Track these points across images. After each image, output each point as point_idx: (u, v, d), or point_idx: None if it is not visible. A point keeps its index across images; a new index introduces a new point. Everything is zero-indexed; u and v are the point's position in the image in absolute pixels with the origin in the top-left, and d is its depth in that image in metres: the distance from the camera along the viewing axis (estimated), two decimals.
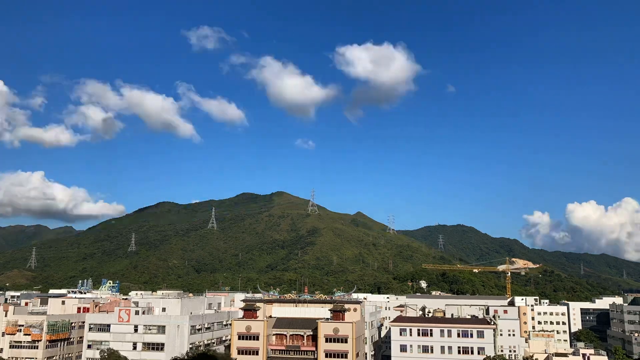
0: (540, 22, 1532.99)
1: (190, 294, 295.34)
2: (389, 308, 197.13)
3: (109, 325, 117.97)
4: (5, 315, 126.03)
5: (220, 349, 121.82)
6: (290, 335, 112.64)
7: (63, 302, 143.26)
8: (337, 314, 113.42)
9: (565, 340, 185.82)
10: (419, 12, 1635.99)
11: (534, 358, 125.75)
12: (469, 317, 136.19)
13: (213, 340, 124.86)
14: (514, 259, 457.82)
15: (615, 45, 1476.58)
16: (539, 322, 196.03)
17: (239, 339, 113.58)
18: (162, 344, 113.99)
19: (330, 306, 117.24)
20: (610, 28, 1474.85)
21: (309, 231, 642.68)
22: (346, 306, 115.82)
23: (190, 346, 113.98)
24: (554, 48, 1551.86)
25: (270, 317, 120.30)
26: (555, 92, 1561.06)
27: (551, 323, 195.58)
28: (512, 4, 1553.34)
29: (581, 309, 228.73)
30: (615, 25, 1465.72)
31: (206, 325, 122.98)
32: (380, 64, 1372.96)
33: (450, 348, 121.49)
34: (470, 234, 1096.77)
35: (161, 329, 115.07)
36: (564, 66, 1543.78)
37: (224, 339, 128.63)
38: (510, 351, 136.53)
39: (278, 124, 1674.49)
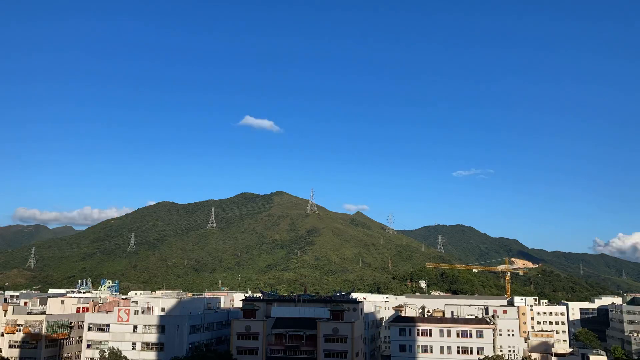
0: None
1: (190, 294, 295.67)
2: (389, 308, 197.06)
3: (108, 325, 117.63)
4: (5, 315, 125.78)
5: (220, 348, 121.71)
6: (290, 335, 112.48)
7: (62, 302, 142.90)
8: (337, 313, 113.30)
9: (564, 340, 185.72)
10: None
11: (533, 358, 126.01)
12: (469, 317, 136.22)
13: (212, 340, 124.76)
14: (513, 259, 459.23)
15: None
16: (538, 322, 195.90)
17: (239, 338, 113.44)
18: (162, 344, 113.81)
19: (330, 306, 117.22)
20: None
21: (308, 231, 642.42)
22: (345, 306, 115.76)
23: (190, 346, 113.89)
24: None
25: (270, 316, 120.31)
26: (555, 93, 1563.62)
27: (550, 323, 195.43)
28: None
29: (580, 309, 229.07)
30: None
31: (205, 325, 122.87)
32: None
33: (449, 348, 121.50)
34: (469, 234, 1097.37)
35: (160, 329, 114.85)
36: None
37: (223, 338, 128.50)
38: (509, 351, 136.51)
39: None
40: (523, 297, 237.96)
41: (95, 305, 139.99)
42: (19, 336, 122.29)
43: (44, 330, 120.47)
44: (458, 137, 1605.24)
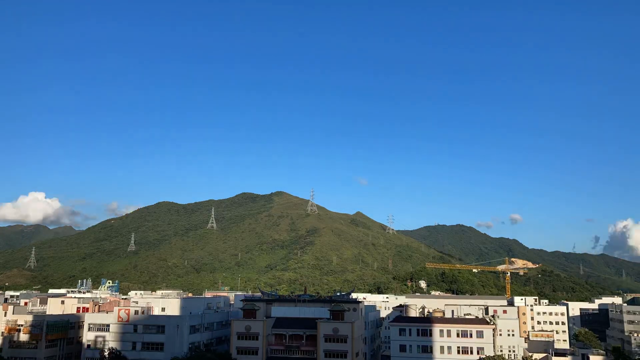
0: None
1: (190, 294, 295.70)
2: (389, 308, 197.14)
3: (108, 325, 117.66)
4: (5, 315, 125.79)
5: (220, 348, 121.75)
6: (290, 335, 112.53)
7: (62, 302, 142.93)
8: (337, 313, 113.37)
9: (564, 340, 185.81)
10: None
11: (533, 358, 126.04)
12: (469, 317, 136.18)
13: (212, 340, 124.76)
14: (513, 259, 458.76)
15: None
16: (538, 322, 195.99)
17: (239, 338, 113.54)
18: (162, 344, 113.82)
19: (330, 306, 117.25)
20: None
21: (308, 231, 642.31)
22: (345, 306, 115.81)
23: (190, 346, 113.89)
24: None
25: (270, 317, 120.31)
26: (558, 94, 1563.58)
27: (550, 323, 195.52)
28: None
29: (580, 309, 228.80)
30: None
31: (205, 325, 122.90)
32: None
33: (449, 348, 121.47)
34: (469, 234, 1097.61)
35: (160, 329, 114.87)
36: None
37: (223, 338, 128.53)
38: (509, 351, 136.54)
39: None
40: (523, 297, 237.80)
41: (95, 305, 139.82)
42: (19, 336, 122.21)
43: (44, 330, 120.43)
44: (459, 136, 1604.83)
